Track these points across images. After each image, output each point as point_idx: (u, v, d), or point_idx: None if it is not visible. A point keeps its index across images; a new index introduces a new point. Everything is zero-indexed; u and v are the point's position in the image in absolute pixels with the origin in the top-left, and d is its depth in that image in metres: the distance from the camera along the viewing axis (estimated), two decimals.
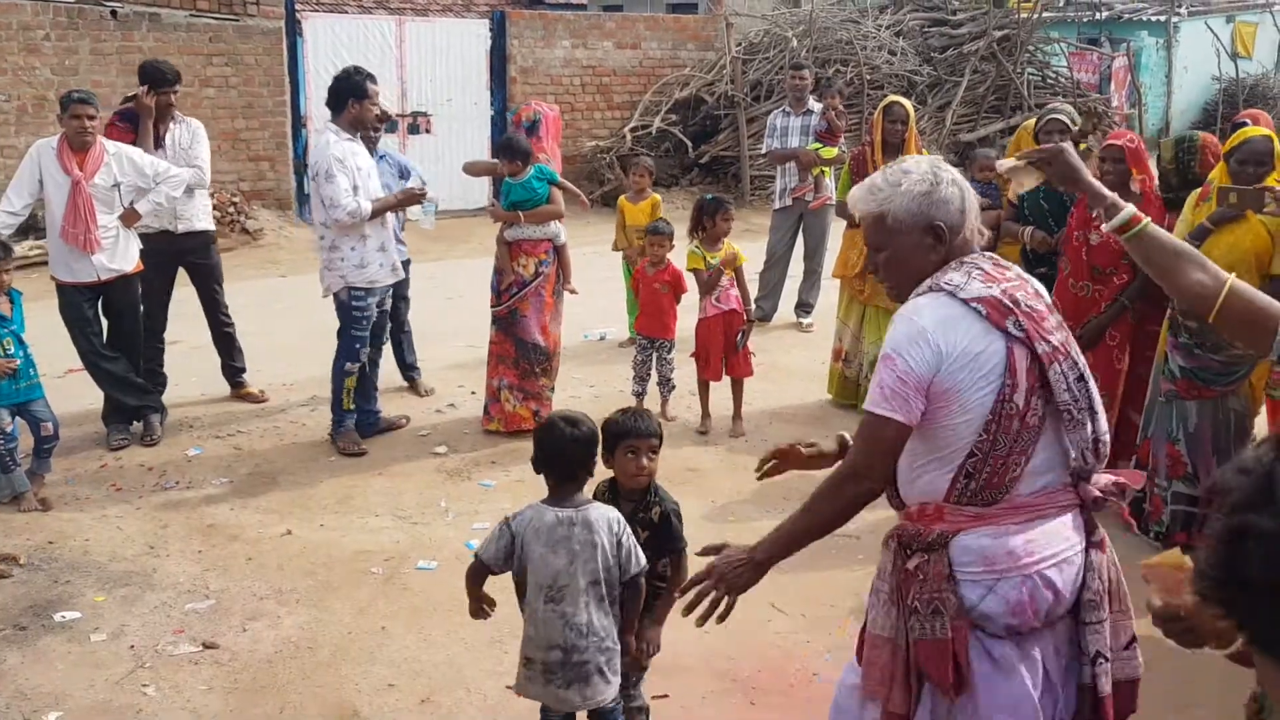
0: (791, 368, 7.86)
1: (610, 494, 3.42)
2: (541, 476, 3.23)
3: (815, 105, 8.72)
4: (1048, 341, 2.46)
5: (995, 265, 2.54)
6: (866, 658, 2.60)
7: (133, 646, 4.22)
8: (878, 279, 2.65)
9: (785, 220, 8.87)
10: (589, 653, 3.13)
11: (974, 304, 2.42)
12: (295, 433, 6.52)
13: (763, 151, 8.84)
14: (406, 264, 7.02)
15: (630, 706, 3.49)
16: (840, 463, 2.64)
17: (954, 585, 2.44)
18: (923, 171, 2.55)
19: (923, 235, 2.51)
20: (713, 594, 2.60)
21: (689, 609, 2.62)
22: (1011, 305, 2.43)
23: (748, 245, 8.72)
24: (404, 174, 6.76)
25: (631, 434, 3.32)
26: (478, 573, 3.25)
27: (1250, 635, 1.00)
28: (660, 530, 3.37)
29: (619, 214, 8.20)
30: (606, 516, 3.16)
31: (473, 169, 7.27)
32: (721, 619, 2.58)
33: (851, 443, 2.63)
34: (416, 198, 6.33)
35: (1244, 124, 5.75)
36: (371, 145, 6.56)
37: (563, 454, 3.15)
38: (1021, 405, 2.41)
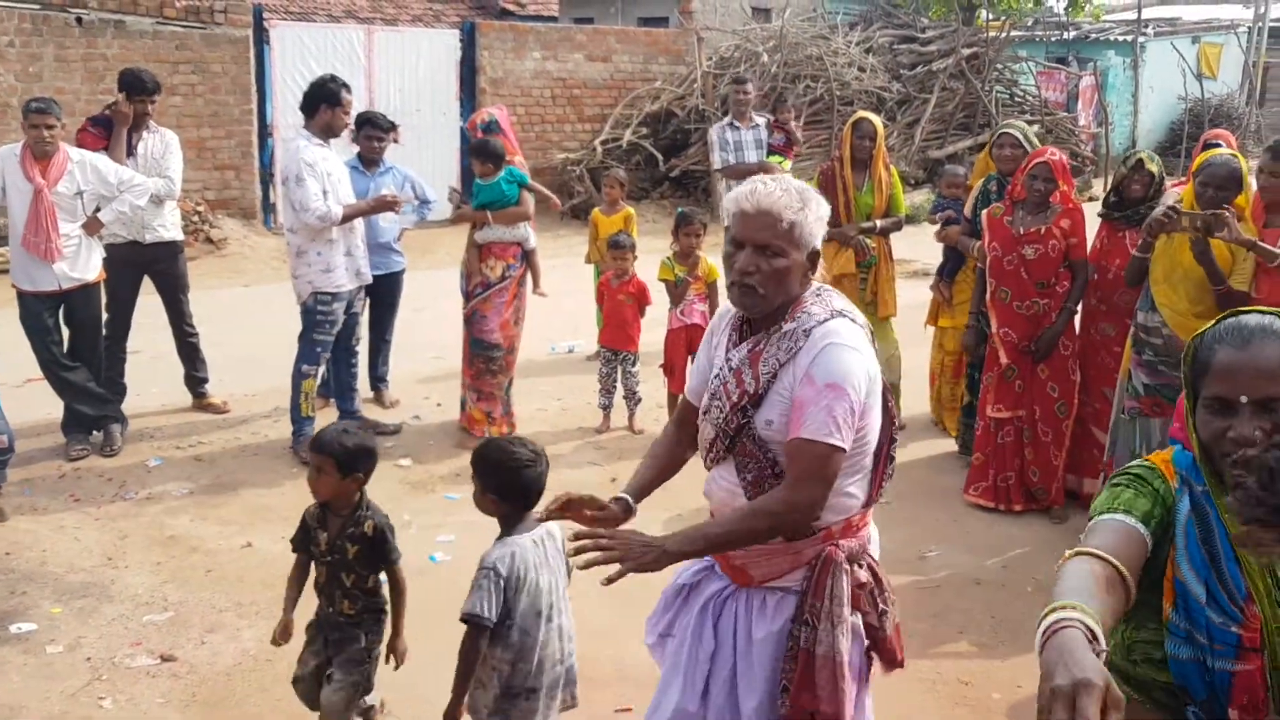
0: None
1: (320, 511, 3.44)
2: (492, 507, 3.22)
3: (759, 119, 8.76)
4: None
5: (840, 296, 2.64)
6: (831, 691, 2.55)
7: (89, 659, 4.16)
8: (750, 280, 2.49)
9: None
10: (573, 655, 3.27)
11: (863, 327, 2.59)
12: (257, 444, 6.46)
13: (717, 166, 8.69)
14: (401, 274, 7.03)
15: (368, 707, 3.58)
16: (782, 490, 2.47)
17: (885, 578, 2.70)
18: (818, 198, 2.56)
19: (806, 259, 2.53)
20: (609, 551, 2.41)
21: (577, 551, 2.45)
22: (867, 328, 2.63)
23: (720, 260, 8.76)
24: (404, 187, 6.82)
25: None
26: (479, 641, 3.09)
27: None
28: (374, 543, 3.38)
29: (592, 226, 8.19)
30: (552, 526, 3.21)
31: (461, 219, 6.96)
32: (609, 581, 2.39)
33: (790, 471, 2.48)
34: (389, 204, 6.34)
35: (1216, 144, 5.82)
36: (378, 154, 6.69)
37: (523, 479, 3.15)
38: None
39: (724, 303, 2.78)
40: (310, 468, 3.41)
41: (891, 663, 2.72)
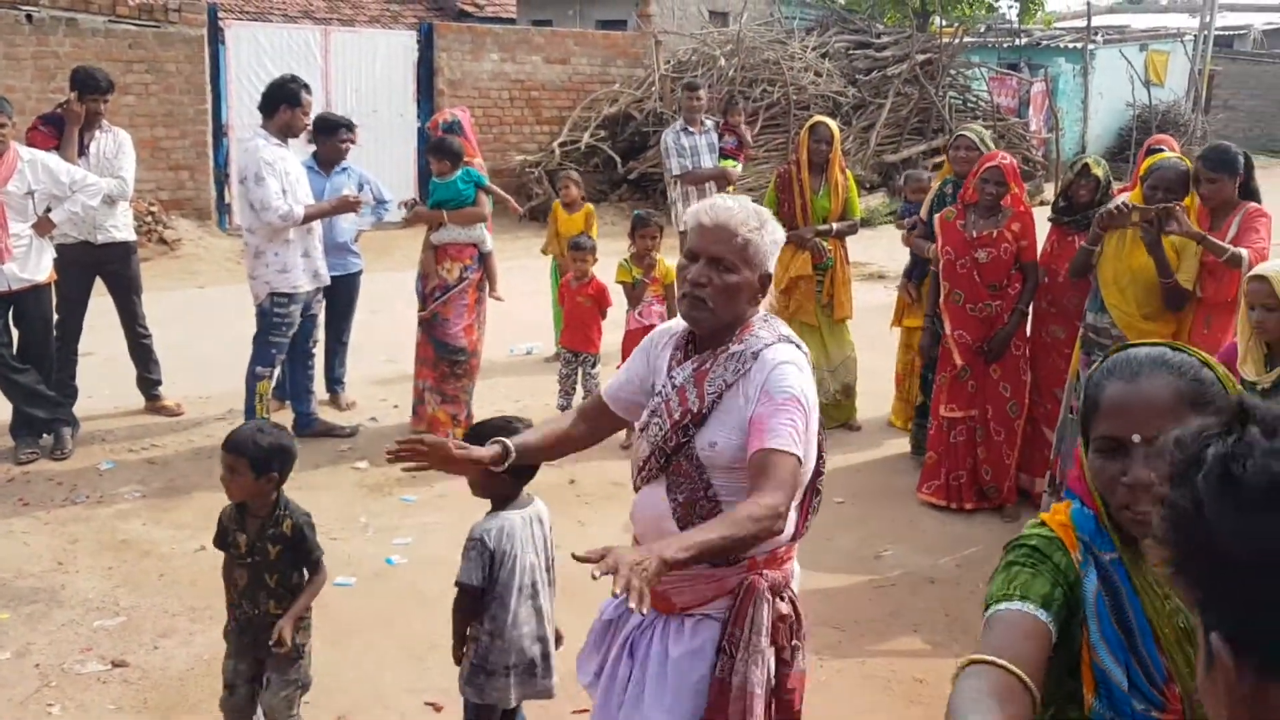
0: None
1: (238, 511, 3.40)
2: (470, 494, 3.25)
3: (708, 122, 8.79)
4: None
5: (785, 325, 2.66)
6: None
7: (38, 665, 4.10)
8: (700, 292, 2.49)
9: None
10: (552, 643, 3.32)
11: (807, 355, 2.60)
12: (211, 446, 6.38)
13: (675, 173, 8.60)
14: (358, 275, 7.00)
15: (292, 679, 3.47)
16: (762, 496, 2.38)
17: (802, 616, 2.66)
18: (776, 224, 2.59)
19: (758, 280, 2.54)
20: (639, 576, 2.29)
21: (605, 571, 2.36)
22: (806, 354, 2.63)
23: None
24: (362, 187, 6.77)
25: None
26: (471, 604, 3.20)
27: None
28: (294, 542, 3.36)
29: (552, 218, 8.19)
30: (543, 508, 3.32)
31: (416, 219, 6.89)
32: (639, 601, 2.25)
33: (762, 482, 2.42)
34: (351, 205, 6.32)
35: (1159, 149, 5.95)
36: (342, 156, 6.69)
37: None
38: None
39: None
40: (223, 468, 3.32)
41: (786, 711, 2.62)
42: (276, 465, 3.31)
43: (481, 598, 3.19)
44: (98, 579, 4.79)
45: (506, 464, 2.66)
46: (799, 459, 2.42)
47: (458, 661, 3.27)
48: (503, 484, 3.14)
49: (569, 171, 8.60)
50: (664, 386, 2.61)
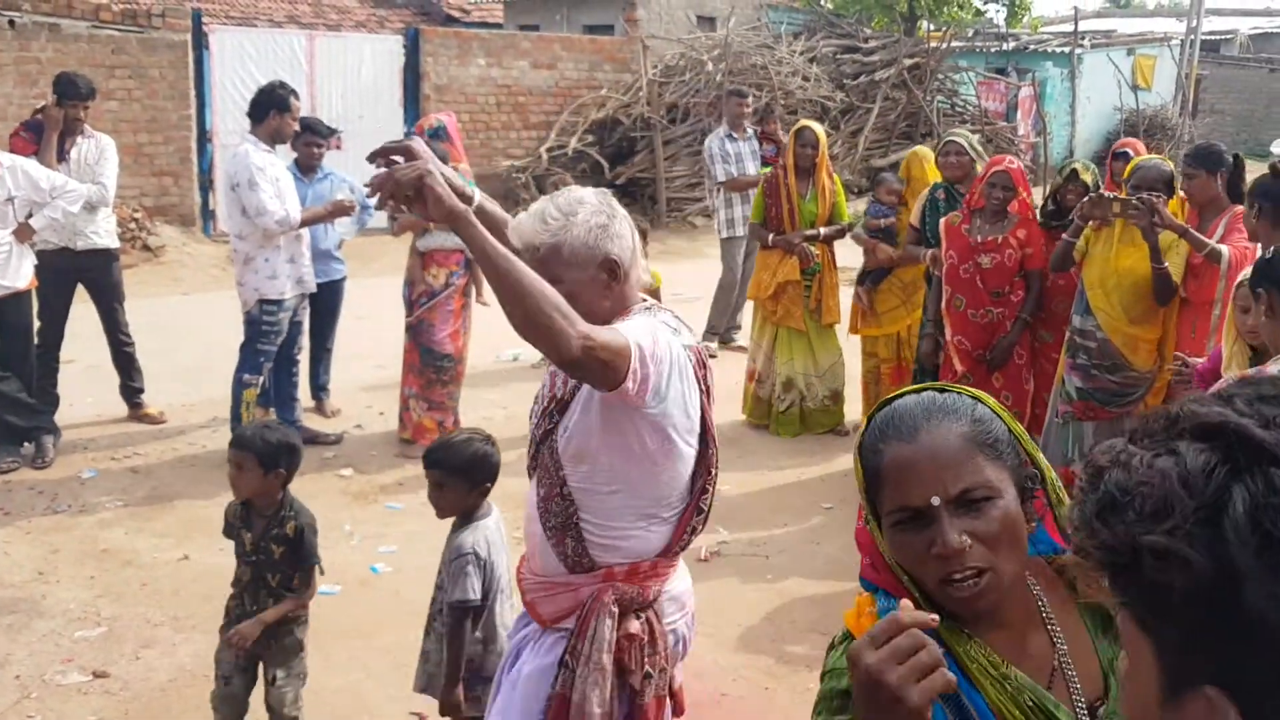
0: None
1: (244, 509, 3.43)
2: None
3: (750, 129, 8.78)
4: (710, 402, 2.52)
5: (677, 319, 2.48)
6: None
7: (18, 676, 4.05)
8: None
9: (740, 248, 8.55)
10: None
11: (688, 350, 2.41)
12: (194, 454, 6.35)
13: (720, 179, 8.45)
14: (342, 281, 6.95)
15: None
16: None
17: (669, 638, 2.53)
18: (597, 204, 2.39)
19: (598, 270, 2.35)
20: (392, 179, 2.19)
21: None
22: (703, 362, 2.49)
23: (666, 267, 8.75)
24: (352, 193, 6.73)
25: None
26: (472, 620, 3.18)
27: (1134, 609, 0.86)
28: (296, 544, 3.38)
29: None
30: (498, 510, 3.38)
31: (404, 226, 6.88)
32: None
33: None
34: (346, 209, 6.31)
35: (1125, 152, 6.08)
36: (317, 161, 6.64)
37: (490, 464, 3.28)
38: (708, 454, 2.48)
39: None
40: (230, 465, 3.37)
41: None
42: (284, 462, 3.36)
43: (481, 611, 3.21)
44: (79, 589, 4.74)
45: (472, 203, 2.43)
46: (636, 347, 2.17)
47: (454, 697, 3.14)
48: (475, 500, 3.24)
49: (562, 177, 8.56)
50: (546, 375, 2.55)
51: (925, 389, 1.50)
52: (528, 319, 2.07)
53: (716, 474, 2.55)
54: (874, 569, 1.52)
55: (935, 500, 1.38)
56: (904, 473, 1.42)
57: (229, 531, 3.50)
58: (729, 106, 8.90)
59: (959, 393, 1.49)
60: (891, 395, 1.53)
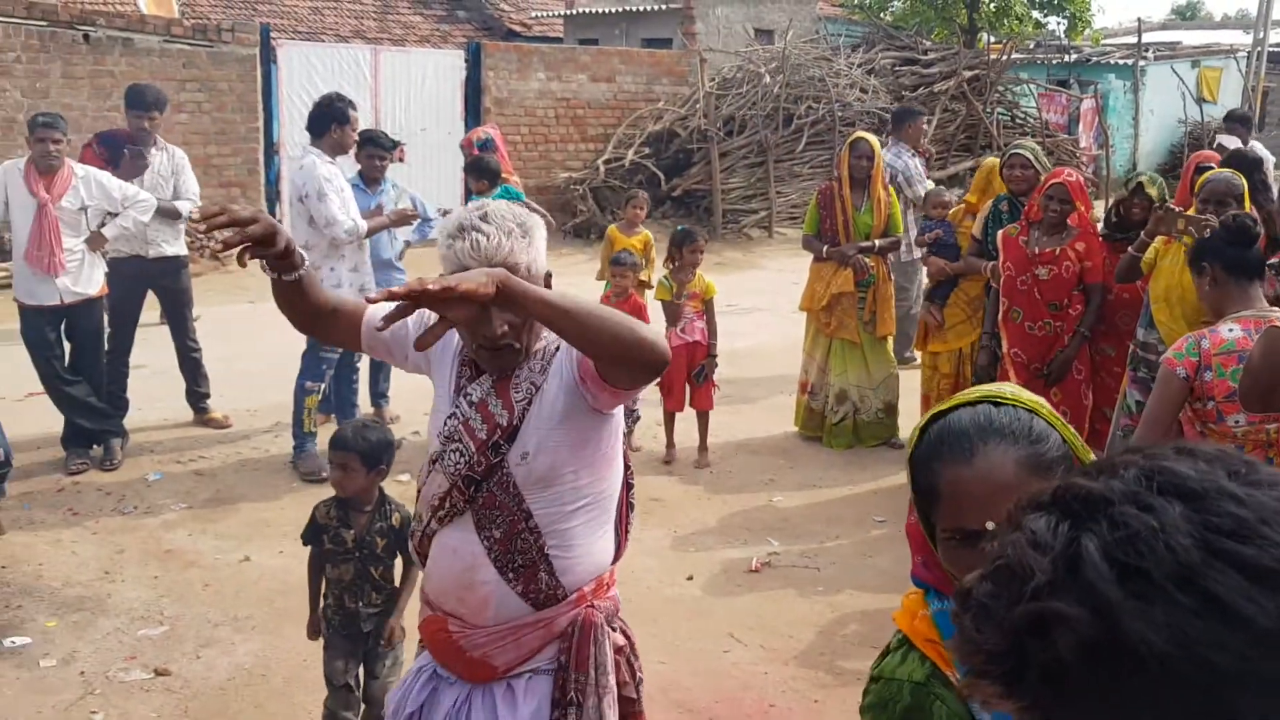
0: (759, 399, 7.88)
1: (339, 509, 3.56)
2: None
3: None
4: None
5: None
6: None
7: (83, 673, 4.16)
8: (507, 340, 2.18)
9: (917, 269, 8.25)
10: None
11: None
12: (257, 458, 6.48)
13: (920, 195, 8.07)
14: None
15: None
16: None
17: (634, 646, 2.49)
18: (533, 219, 2.25)
19: (544, 284, 2.23)
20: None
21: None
22: None
23: (721, 279, 8.76)
24: (414, 204, 6.89)
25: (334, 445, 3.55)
26: None
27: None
28: (400, 534, 3.50)
29: (607, 243, 8.07)
30: None
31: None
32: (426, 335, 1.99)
33: None
34: (409, 218, 6.43)
35: (1207, 167, 5.86)
36: (380, 173, 6.74)
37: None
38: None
39: (454, 336, 2.34)
40: (333, 467, 3.53)
41: None
42: (385, 459, 3.55)
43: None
44: (143, 588, 4.86)
45: (295, 274, 2.20)
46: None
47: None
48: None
49: (638, 191, 8.53)
50: (457, 407, 2.28)
51: (980, 400, 1.49)
52: (618, 340, 2.00)
53: (632, 469, 2.54)
54: (925, 567, 1.53)
55: (990, 525, 1.38)
56: (959, 497, 1.44)
57: (314, 535, 3.58)
58: (916, 124, 8.72)
59: (1015, 404, 1.47)
60: (945, 406, 1.51)
